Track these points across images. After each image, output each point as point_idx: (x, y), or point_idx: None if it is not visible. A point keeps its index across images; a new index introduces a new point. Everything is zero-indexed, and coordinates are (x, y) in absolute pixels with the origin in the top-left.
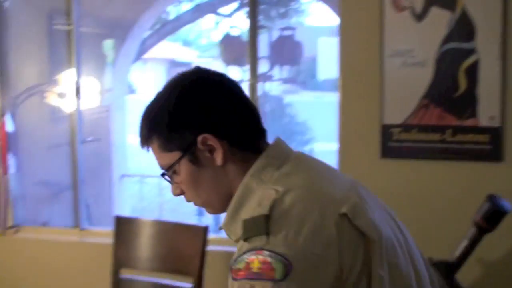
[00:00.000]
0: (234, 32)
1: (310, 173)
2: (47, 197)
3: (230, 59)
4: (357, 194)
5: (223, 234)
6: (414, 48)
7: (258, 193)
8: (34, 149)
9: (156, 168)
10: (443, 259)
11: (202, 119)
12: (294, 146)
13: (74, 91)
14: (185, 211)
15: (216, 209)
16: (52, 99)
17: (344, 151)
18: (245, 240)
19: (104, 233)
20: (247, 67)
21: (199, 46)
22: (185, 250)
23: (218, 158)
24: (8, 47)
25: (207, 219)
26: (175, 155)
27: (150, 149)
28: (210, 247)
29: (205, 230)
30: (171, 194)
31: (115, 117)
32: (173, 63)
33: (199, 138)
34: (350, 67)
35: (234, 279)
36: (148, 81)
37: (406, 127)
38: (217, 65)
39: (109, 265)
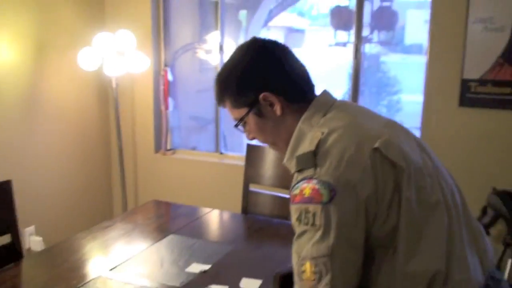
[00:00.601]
0: (343, 3)
1: (349, 116)
2: (195, 128)
3: (338, 25)
4: (389, 130)
5: None
6: (494, 16)
7: (308, 135)
8: (187, 92)
9: None
10: (506, 189)
11: (262, 80)
12: (385, 96)
13: (218, 49)
14: None
15: (281, 149)
16: (201, 54)
17: (428, 101)
18: (299, 171)
19: (237, 157)
20: (352, 31)
21: (310, 16)
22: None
23: (278, 110)
24: (171, 15)
25: None
26: (243, 110)
27: (224, 105)
28: None
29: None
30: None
31: None
32: (290, 30)
33: (261, 96)
34: (439, 33)
35: (292, 203)
36: None
37: (482, 81)
38: (327, 30)
39: (241, 181)
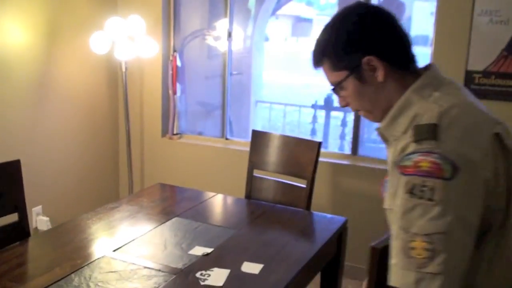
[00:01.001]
0: None
1: (464, 96)
2: (202, 114)
3: None
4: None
5: (331, 149)
6: (500, 9)
7: (416, 106)
8: (195, 78)
9: (282, 98)
10: None
11: (367, 44)
12: None
13: (226, 36)
14: (302, 131)
15: (376, 117)
16: (210, 41)
17: None
18: (415, 141)
19: (242, 143)
20: None
21: (319, 5)
22: (302, 158)
23: (380, 75)
24: (181, 2)
25: (319, 138)
26: (343, 73)
27: (321, 69)
28: (320, 159)
29: (319, 144)
30: (292, 118)
31: (255, 57)
32: (298, 19)
33: (365, 59)
34: (444, 24)
35: (403, 173)
36: (278, 32)
37: (486, 73)
38: None
39: (245, 166)
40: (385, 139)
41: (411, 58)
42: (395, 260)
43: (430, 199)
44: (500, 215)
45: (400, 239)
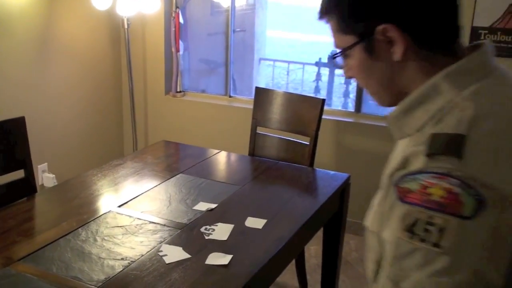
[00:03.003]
0: None
1: None
2: (205, 71)
3: None
4: None
5: (335, 106)
6: None
7: (445, 97)
8: (198, 35)
9: (285, 55)
10: None
11: (387, 6)
12: None
13: None
14: (305, 89)
15: (385, 102)
16: None
17: None
18: (428, 155)
19: (246, 100)
20: None
21: None
22: (305, 116)
23: (398, 52)
24: None
25: (322, 96)
26: (351, 39)
27: (328, 24)
28: (324, 116)
29: (322, 102)
30: (296, 76)
31: (258, 14)
32: None
33: (380, 27)
34: None
35: (401, 200)
36: None
37: (492, 29)
38: None
39: (249, 124)
40: (392, 133)
41: (452, 34)
42: None
43: (436, 245)
44: None
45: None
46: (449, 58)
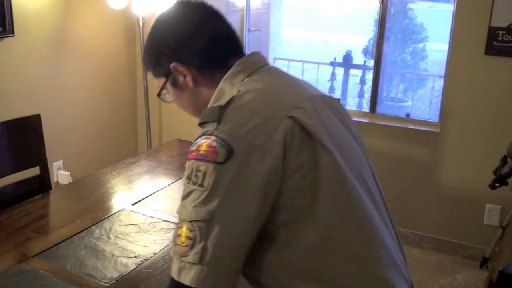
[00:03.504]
0: None
1: (275, 80)
2: None
3: None
4: (312, 103)
5: (349, 106)
6: None
7: (229, 94)
8: None
9: (300, 56)
10: None
11: (171, 50)
12: (410, 43)
13: None
14: (320, 89)
15: (196, 116)
16: None
17: (453, 48)
18: (200, 125)
19: None
20: None
21: None
22: None
23: (189, 81)
24: None
25: (337, 96)
26: (162, 80)
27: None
28: None
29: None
30: (310, 76)
31: (273, 13)
32: None
33: (171, 67)
34: None
35: (187, 159)
36: None
37: (510, 30)
38: None
39: None
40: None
41: (229, 54)
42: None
43: (201, 185)
44: (298, 212)
45: (175, 225)
46: (227, 69)
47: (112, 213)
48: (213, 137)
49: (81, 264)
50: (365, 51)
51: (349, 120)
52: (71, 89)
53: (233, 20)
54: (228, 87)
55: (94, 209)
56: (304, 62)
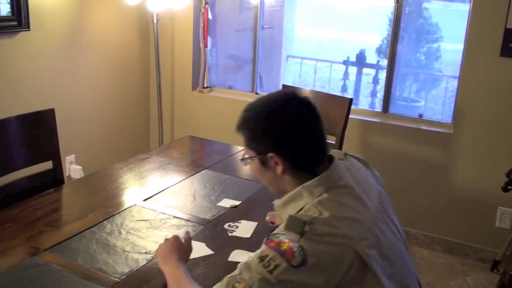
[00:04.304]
0: None
1: (348, 204)
2: (233, 67)
3: None
4: (375, 227)
5: (362, 106)
6: None
7: (305, 200)
8: (226, 31)
9: (313, 54)
10: None
11: (274, 143)
12: (425, 43)
13: None
14: (333, 88)
15: (274, 192)
16: None
17: (468, 49)
18: (285, 228)
19: None
20: None
21: None
22: (332, 115)
23: (279, 170)
24: None
25: (350, 95)
26: (252, 153)
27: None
28: (351, 116)
29: (350, 101)
30: (323, 74)
31: (287, 11)
32: None
33: (269, 154)
34: None
35: (265, 244)
36: None
37: None
38: None
39: None
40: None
41: (316, 161)
42: (220, 282)
43: (270, 272)
44: None
45: (237, 270)
46: (310, 175)
47: (123, 209)
48: (296, 244)
49: (92, 259)
50: (379, 50)
51: (388, 204)
52: (85, 84)
53: (247, 17)
54: (306, 194)
55: (106, 204)
56: (317, 60)
